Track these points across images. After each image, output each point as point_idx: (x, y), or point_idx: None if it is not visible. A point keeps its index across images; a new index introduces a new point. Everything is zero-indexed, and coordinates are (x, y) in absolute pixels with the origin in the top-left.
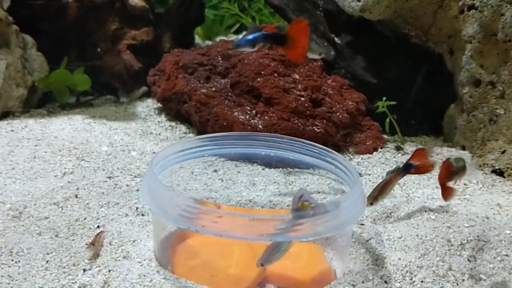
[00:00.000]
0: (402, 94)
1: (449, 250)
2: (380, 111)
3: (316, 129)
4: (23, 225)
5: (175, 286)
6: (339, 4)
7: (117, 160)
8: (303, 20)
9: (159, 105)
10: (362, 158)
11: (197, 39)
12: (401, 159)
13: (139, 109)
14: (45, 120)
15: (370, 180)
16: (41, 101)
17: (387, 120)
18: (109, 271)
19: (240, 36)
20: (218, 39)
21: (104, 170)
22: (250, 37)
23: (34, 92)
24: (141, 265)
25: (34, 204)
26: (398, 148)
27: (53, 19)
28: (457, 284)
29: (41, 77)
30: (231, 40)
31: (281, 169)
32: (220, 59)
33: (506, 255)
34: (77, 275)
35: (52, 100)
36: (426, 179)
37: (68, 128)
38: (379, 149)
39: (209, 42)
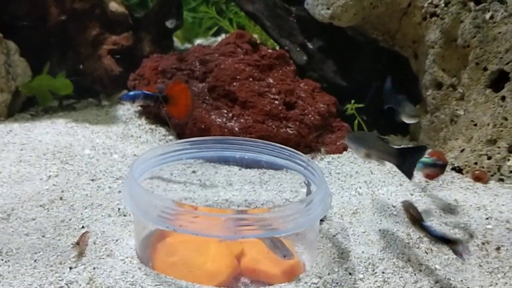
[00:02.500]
0: (371, 95)
1: (408, 243)
2: (349, 113)
3: (289, 130)
4: (11, 227)
5: (155, 282)
6: (310, 12)
7: (100, 163)
8: (181, 81)
9: (139, 108)
10: (332, 158)
11: (177, 42)
12: None
13: (120, 112)
14: (29, 124)
15: (339, 179)
16: (25, 105)
17: (356, 121)
18: (94, 268)
19: (219, 39)
20: (197, 41)
21: (87, 173)
22: (131, 94)
23: (17, 97)
24: (124, 263)
25: (22, 207)
26: None
27: (35, 25)
28: (415, 274)
29: (25, 82)
30: (207, 45)
31: (256, 169)
32: (197, 64)
33: None
34: (64, 273)
35: (35, 103)
36: (391, 177)
37: (51, 132)
38: (349, 149)
39: (188, 45)
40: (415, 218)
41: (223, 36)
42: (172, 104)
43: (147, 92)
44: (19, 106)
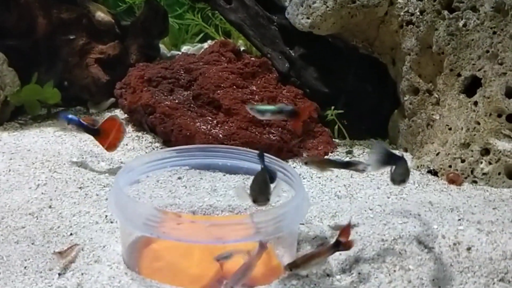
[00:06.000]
0: (352, 101)
1: (383, 245)
2: (330, 119)
3: (272, 136)
4: (1, 235)
5: (141, 286)
6: (290, 21)
7: (87, 171)
8: (115, 118)
9: (126, 116)
10: None
11: (164, 48)
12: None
13: None
14: (18, 133)
15: (320, 183)
16: (14, 114)
17: (336, 126)
18: (82, 274)
19: (206, 45)
20: (184, 47)
21: (75, 181)
22: (69, 116)
23: (6, 106)
24: (111, 268)
25: (11, 215)
26: (349, 152)
27: (23, 35)
28: (389, 275)
29: (13, 91)
30: (192, 53)
31: (240, 175)
32: (182, 72)
33: (432, 247)
34: (53, 279)
35: (24, 112)
36: (369, 180)
37: (40, 141)
38: (330, 153)
39: (174, 52)
40: (321, 161)
41: (209, 42)
42: (103, 137)
43: (80, 120)
44: (8, 115)
